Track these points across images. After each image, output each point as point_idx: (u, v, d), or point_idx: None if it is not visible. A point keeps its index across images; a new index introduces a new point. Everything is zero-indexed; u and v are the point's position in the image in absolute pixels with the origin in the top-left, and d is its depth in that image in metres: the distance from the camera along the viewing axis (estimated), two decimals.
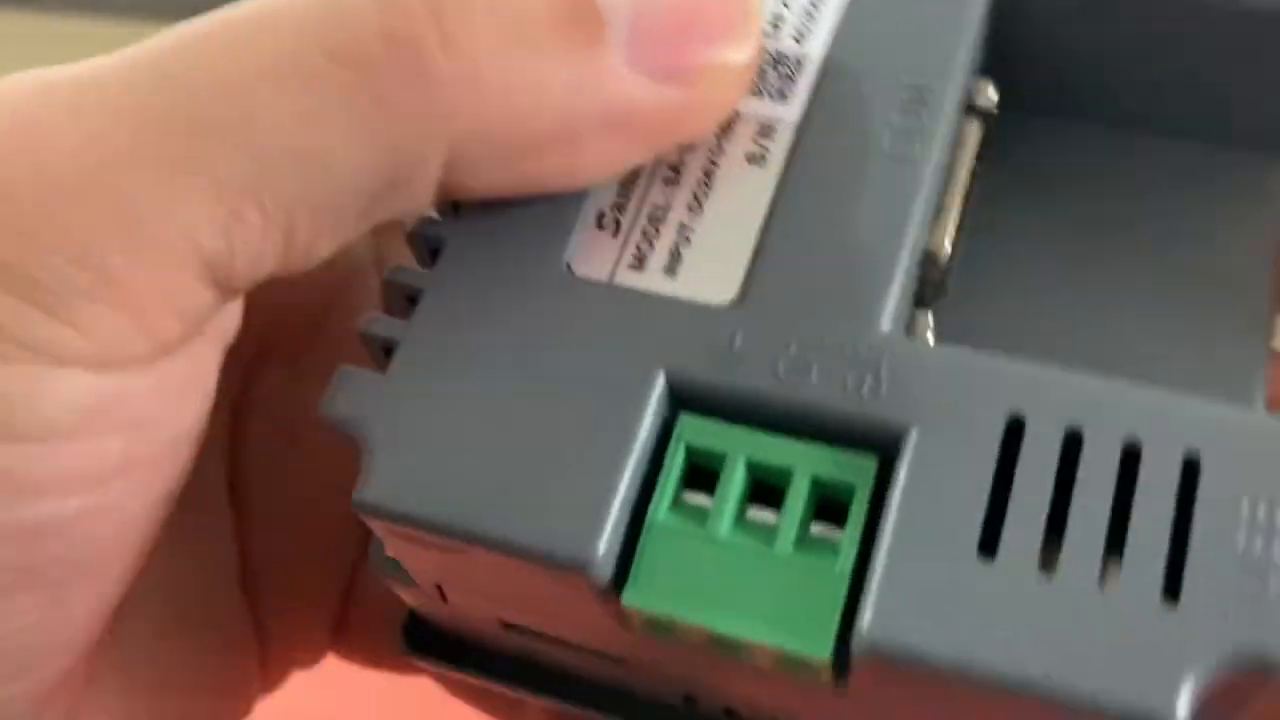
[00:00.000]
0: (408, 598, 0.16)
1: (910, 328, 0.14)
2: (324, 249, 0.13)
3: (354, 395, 0.13)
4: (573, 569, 0.12)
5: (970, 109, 0.15)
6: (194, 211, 0.12)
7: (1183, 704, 0.11)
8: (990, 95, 0.15)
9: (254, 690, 0.19)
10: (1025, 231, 0.16)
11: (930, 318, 0.14)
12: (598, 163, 0.13)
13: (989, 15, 0.15)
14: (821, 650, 0.12)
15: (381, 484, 0.13)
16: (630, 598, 0.12)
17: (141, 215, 0.12)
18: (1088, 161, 0.16)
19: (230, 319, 0.14)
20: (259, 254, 0.13)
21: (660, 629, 0.12)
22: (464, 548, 0.13)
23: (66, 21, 0.87)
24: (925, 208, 0.14)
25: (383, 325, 0.14)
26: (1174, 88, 0.15)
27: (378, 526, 0.13)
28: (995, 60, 0.16)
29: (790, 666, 0.12)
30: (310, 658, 0.20)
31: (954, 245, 0.14)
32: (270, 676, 0.20)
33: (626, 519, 0.12)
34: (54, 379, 0.12)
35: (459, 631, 0.17)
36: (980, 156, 0.15)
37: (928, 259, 0.14)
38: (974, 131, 0.15)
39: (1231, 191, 0.15)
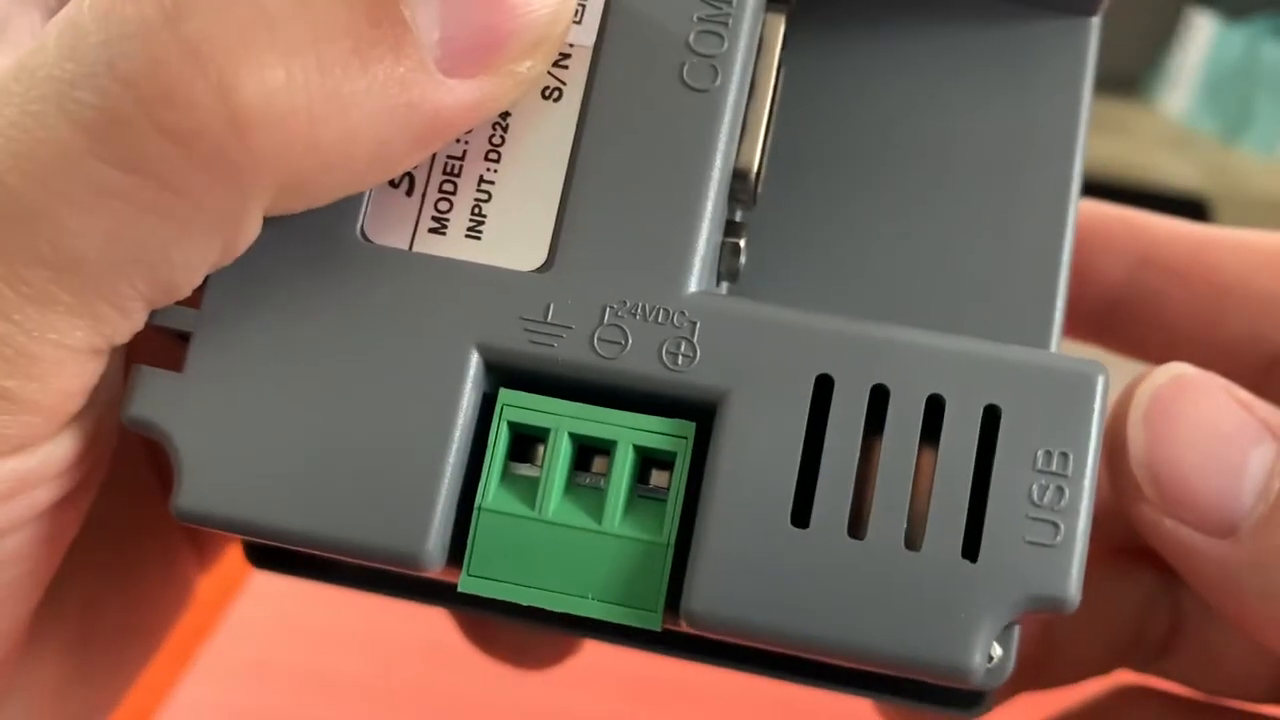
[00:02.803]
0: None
1: (720, 267, 0.14)
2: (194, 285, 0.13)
3: (152, 396, 0.13)
4: (406, 563, 0.12)
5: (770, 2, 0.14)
6: (58, 327, 0.12)
7: (979, 652, 0.11)
8: None
9: (191, 571, 0.19)
10: (824, 143, 0.15)
11: (743, 248, 0.14)
12: (408, 161, 0.13)
13: None
14: (652, 623, 0.12)
15: (195, 491, 0.12)
16: (466, 584, 0.12)
17: (16, 344, 0.12)
18: (882, 46, 0.16)
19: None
20: (132, 326, 0.13)
21: (497, 605, 0.13)
22: (290, 544, 0.13)
23: None
24: (729, 142, 0.13)
25: (172, 316, 0.13)
26: None
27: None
28: None
29: (625, 629, 0.13)
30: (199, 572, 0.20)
31: (763, 154, 0.14)
32: (204, 552, 0.20)
33: (455, 504, 0.12)
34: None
35: None
36: (782, 56, 0.14)
37: (738, 176, 0.14)
38: (777, 28, 0.14)
39: (1035, 56, 0.15)
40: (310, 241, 0.13)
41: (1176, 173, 0.76)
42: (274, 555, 0.17)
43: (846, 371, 0.12)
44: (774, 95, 0.14)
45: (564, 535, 0.12)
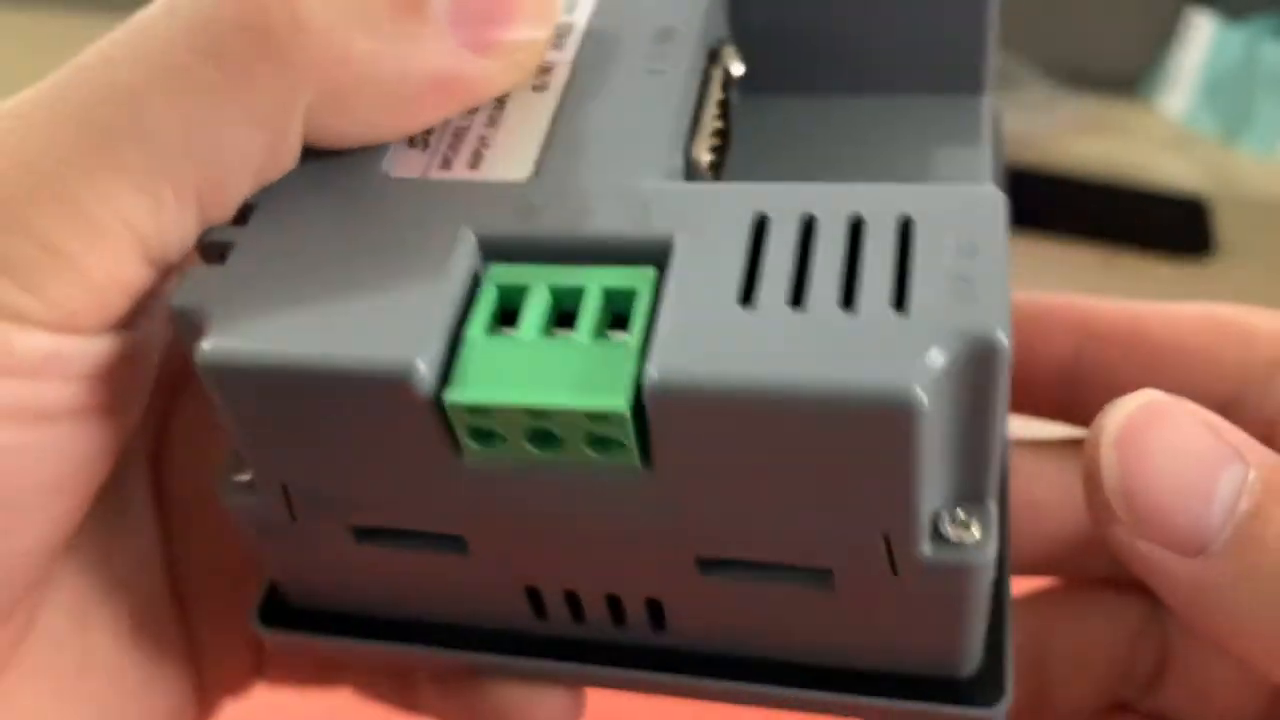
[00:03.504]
0: (253, 529, 0.17)
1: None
2: (231, 210, 0.16)
3: (196, 285, 0.15)
4: (397, 380, 0.13)
5: (714, 60, 0.17)
6: (124, 201, 0.14)
7: (917, 383, 0.12)
8: (736, 62, 0.18)
9: (189, 716, 0.20)
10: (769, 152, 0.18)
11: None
12: (427, 116, 0.16)
13: None
14: (618, 402, 0.13)
15: (218, 339, 0.14)
16: (451, 395, 0.13)
17: (86, 207, 0.14)
18: (807, 131, 0.18)
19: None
20: (180, 230, 0.15)
21: (481, 433, 0.14)
22: (300, 394, 0.14)
23: (67, 21, 0.88)
24: (680, 103, 0.16)
25: (219, 232, 0.15)
26: (878, 47, 0.18)
27: (220, 397, 0.14)
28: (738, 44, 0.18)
29: (601, 446, 0.14)
30: (241, 680, 0.21)
31: (712, 154, 0.17)
32: (205, 700, 0.20)
33: (445, 340, 0.14)
34: (17, 333, 0.14)
35: (313, 593, 0.18)
36: (726, 106, 0.17)
37: (690, 165, 0.16)
38: (718, 75, 0.17)
39: (946, 135, 0.17)
40: (339, 179, 0.16)
41: (1176, 173, 0.76)
42: (286, 614, 0.18)
43: (780, 210, 0.14)
44: (721, 114, 0.17)
45: (539, 351, 0.14)
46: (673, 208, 0.14)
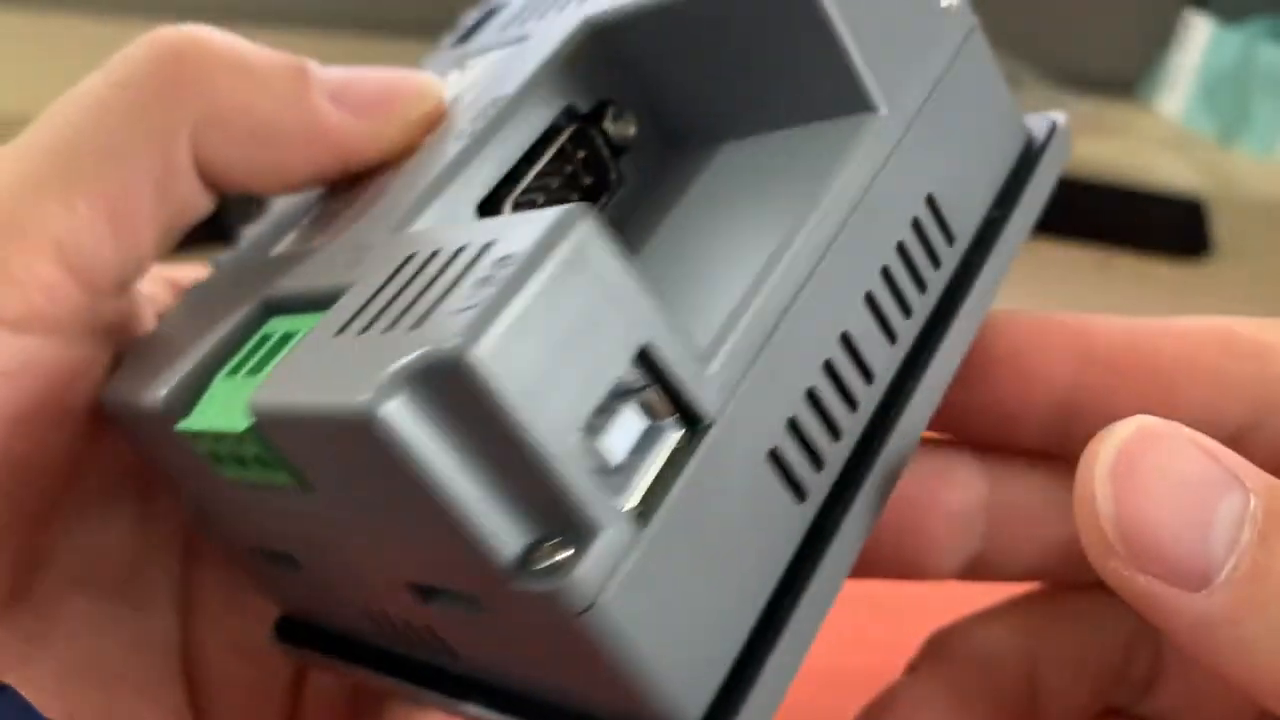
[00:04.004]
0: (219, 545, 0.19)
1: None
2: (144, 230, 0.18)
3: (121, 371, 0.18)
4: (150, 413, 0.16)
5: (594, 119, 0.18)
6: (43, 208, 0.17)
7: (375, 391, 0.12)
8: (618, 121, 0.18)
9: None
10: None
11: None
12: (299, 161, 0.18)
13: (584, 50, 0.18)
14: (238, 425, 0.14)
15: (106, 389, 0.18)
16: (178, 424, 0.16)
17: (9, 211, 0.17)
18: (709, 175, 0.18)
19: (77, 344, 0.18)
20: (94, 237, 0.17)
21: (214, 457, 0.15)
22: (140, 432, 0.17)
23: (67, 22, 0.88)
24: (476, 157, 0.17)
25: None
26: (756, 90, 0.18)
27: (127, 434, 0.18)
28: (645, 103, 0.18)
29: (262, 466, 0.15)
30: None
31: (528, 204, 0.18)
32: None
33: (188, 380, 0.16)
34: None
35: (323, 623, 0.19)
36: (585, 160, 0.18)
37: (494, 213, 0.17)
38: (564, 135, 0.18)
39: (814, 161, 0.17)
40: (243, 261, 0.19)
41: (1173, 174, 0.76)
42: (302, 632, 0.19)
43: (418, 249, 0.15)
44: (545, 171, 0.18)
45: (231, 389, 0.15)
46: (370, 256, 0.15)
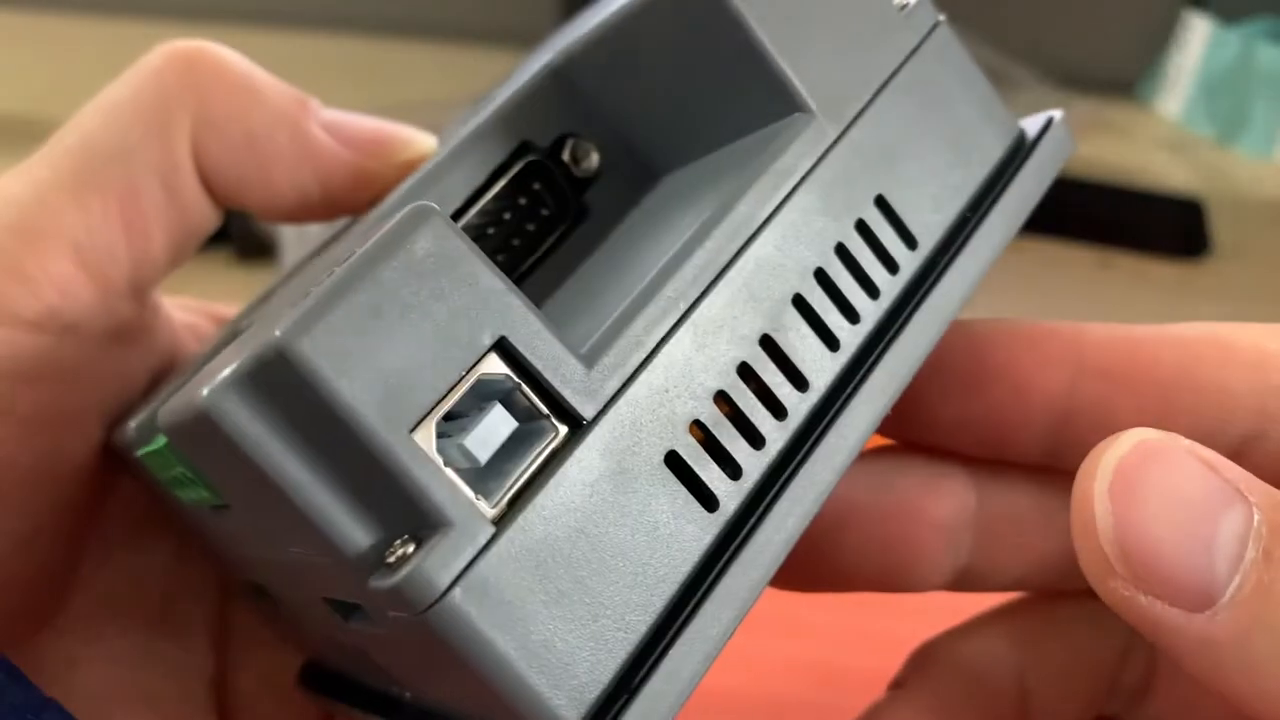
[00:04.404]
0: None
1: None
2: (155, 232, 0.18)
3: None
4: (123, 446, 0.17)
5: (536, 157, 0.19)
6: (56, 206, 0.17)
7: (216, 391, 0.13)
8: (579, 159, 0.19)
9: None
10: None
11: None
12: (286, 179, 0.19)
13: (542, 89, 0.18)
14: (159, 443, 0.15)
15: (119, 437, 0.18)
16: (138, 453, 0.16)
17: (24, 209, 0.17)
18: (674, 193, 0.18)
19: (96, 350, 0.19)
20: (108, 235, 0.18)
21: (166, 480, 0.16)
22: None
23: (67, 22, 0.88)
24: (428, 191, 0.18)
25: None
26: (704, 108, 0.17)
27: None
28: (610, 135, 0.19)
29: (190, 484, 0.15)
30: None
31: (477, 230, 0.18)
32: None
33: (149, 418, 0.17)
34: None
35: (344, 670, 0.19)
36: (540, 193, 0.19)
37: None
38: (515, 168, 0.18)
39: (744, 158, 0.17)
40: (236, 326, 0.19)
41: (1172, 174, 0.76)
42: (323, 678, 0.19)
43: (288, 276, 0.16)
44: (495, 207, 0.18)
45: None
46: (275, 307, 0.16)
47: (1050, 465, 0.19)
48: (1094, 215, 0.70)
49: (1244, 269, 0.66)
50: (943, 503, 0.19)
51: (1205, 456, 0.14)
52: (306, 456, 0.13)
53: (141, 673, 0.19)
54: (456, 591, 0.12)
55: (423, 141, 0.20)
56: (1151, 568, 0.13)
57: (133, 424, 0.17)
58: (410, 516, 0.13)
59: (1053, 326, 0.19)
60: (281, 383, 0.12)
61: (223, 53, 0.19)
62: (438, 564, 0.12)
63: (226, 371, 0.13)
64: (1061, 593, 0.21)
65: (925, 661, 0.21)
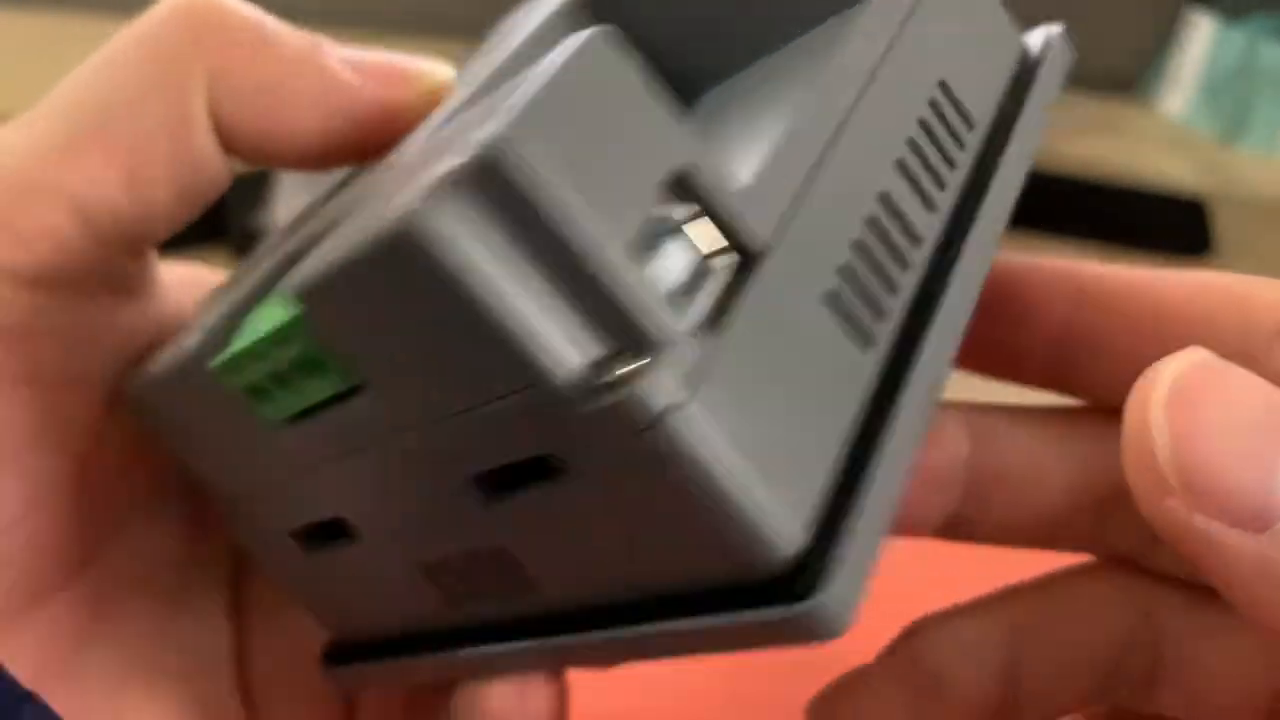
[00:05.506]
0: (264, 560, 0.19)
1: None
2: (160, 184, 0.18)
3: (143, 368, 0.18)
4: (191, 360, 0.16)
5: None
6: (53, 158, 0.17)
7: (426, 205, 0.12)
8: None
9: None
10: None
11: None
12: (308, 118, 0.18)
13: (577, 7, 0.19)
14: (282, 318, 0.14)
15: (135, 380, 0.17)
16: (212, 365, 0.15)
17: (20, 164, 0.17)
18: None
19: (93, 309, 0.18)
20: (109, 189, 0.17)
21: (254, 392, 0.15)
22: (177, 401, 0.17)
23: (67, 21, 0.88)
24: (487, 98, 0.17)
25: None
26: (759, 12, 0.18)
27: (153, 428, 0.17)
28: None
29: (311, 368, 0.15)
30: None
31: None
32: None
33: (229, 331, 0.16)
34: None
35: (341, 622, 0.19)
36: None
37: None
38: None
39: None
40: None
41: (1175, 173, 0.76)
42: (351, 652, 0.19)
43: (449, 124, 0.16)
44: None
45: (273, 311, 0.15)
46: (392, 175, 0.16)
47: (1061, 390, 0.20)
48: (1096, 214, 0.70)
49: (1247, 267, 0.65)
50: (936, 448, 0.20)
51: (1265, 385, 0.13)
52: (518, 275, 0.12)
53: (157, 650, 0.19)
54: (682, 406, 0.12)
55: (442, 70, 0.20)
56: (1211, 485, 0.13)
57: (195, 339, 0.16)
58: (621, 334, 0.12)
59: (1056, 262, 0.19)
60: (496, 191, 0.12)
61: (230, 3, 0.18)
62: (660, 380, 0.12)
63: (425, 189, 0.12)
64: (1057, 579, 0.21)
65: (913, 636, 0.21)
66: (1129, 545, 0.20)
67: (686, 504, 0.13)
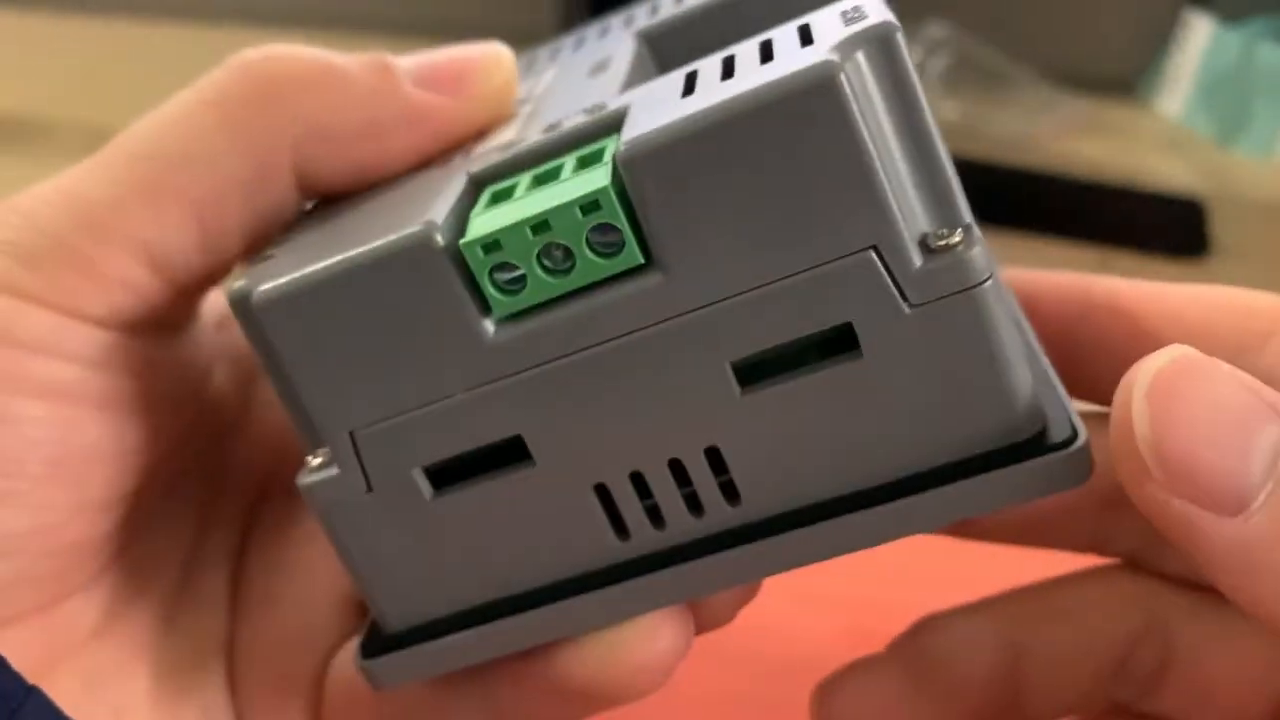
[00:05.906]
0: (341, 525, 0.17)
1: None
2: (233, 235, 0.18)
3: (243, 274, 0.17)
4: (417, 243, 0.15)
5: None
6: (132, 211, 0.17)
7: (832, 58, 0.14)
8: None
9: None
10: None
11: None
12: (401, 147, 0.19)
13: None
14: (600, 182, 0.14)
15: (263, 287, 0.16)
16: (464, 238, 0.15)
17: (98, 214, 0.17)
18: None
19: (181, 351, 0.19)
20: (182, 240, 0.18)
21: (503, 277, 0.15)
22: (339, 304, 0.15)
23: (67, 22, 0.88)
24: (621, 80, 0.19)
25: (268, 248, 0.18)
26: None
27: (279, 343, 0.16)
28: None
29: (604, 250, 0.15)
30: None
31: None
32: None
33: (452, 212, 0.15)
34: (18, 306, 0.17)
35: (406, 598, 0.18)
36: None
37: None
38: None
39: None
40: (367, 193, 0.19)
41: (1172, 174, 0.76)
42: (387, 643, 0.18)
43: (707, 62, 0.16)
44: None
45: (531, 196, 0.15)
46: (621, 102, 0.16)
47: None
48: (1094, 215, 0.70)
49: (1244, 269, 0.66)
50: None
51: (1243, 377, 0.14)
52: (887, 139, 0.14)
53: (159, 643, 0.19)
54: (994, 277, 0.14)
55: (504, 57, 0.20)
56: (1188, 471, 0.14)
57: (438, 216, 0.15)
58: (947, 212, 0.15)
59: (1059, 275, 0.21)
60: (885, 61, 0.14)
61: (296, 55, 0.19)
62: (981, 253, 0.14)
63: (834, 43, 0.14)
64: (1063, 580, 0.21)
65: (920, 630, 0.22)
66: (1133, 546, 0.20)
67: (969, 365, 0.15)
